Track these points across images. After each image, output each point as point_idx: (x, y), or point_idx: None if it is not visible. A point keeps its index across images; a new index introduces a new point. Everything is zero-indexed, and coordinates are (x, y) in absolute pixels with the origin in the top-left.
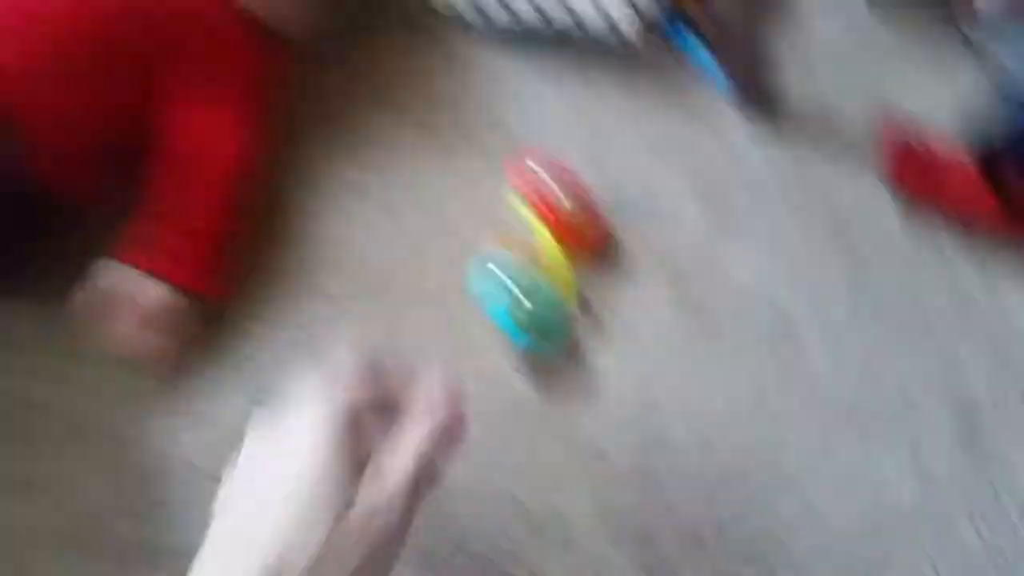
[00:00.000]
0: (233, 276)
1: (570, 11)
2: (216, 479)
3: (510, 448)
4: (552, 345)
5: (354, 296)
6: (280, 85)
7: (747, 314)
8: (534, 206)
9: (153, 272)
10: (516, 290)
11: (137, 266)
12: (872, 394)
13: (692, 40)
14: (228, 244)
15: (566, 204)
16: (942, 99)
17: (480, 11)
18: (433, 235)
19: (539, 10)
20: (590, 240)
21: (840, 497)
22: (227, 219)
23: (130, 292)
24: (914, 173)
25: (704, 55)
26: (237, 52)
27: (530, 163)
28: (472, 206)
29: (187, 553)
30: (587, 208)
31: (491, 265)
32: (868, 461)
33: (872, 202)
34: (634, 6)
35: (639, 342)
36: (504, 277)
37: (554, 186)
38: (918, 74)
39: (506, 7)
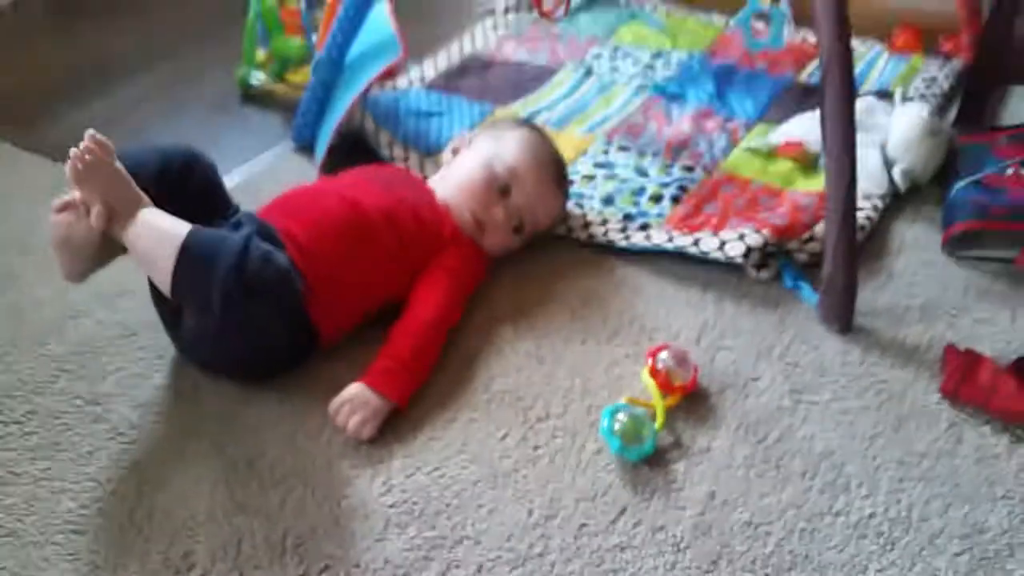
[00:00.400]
0: (414, 393)
1: (695, 242)
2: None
3: (606, 531)
4: (636, 451)
5: (502, 418)
6: (480, 279)
7: (808, 462)
8: (652, 374)
9: (372, 386)
10: (614, 411)
11: (367, 383)
12: (904, 535)
13: (790, 269)
14: (421, 372)
15: (668, 362)
16: (1000, 328)
17: (626, 236)
18: (578, 392)
19: (671, 238)
20: (679, 386)
21: None
22: (424, 354)
23: (359, 395)
24: (967, 381)
25: (797, 281)
26: (454, 249)
27: (661, 354)
28: (611, 377)
29: None
30: (682, 363)
31: (611, 407)
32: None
33: (926, 400)
34: (745, 242)
35: (711, 460)
36: (613, 407)
37: (672, 362)
38: (979, 306)
39: (647, 235)
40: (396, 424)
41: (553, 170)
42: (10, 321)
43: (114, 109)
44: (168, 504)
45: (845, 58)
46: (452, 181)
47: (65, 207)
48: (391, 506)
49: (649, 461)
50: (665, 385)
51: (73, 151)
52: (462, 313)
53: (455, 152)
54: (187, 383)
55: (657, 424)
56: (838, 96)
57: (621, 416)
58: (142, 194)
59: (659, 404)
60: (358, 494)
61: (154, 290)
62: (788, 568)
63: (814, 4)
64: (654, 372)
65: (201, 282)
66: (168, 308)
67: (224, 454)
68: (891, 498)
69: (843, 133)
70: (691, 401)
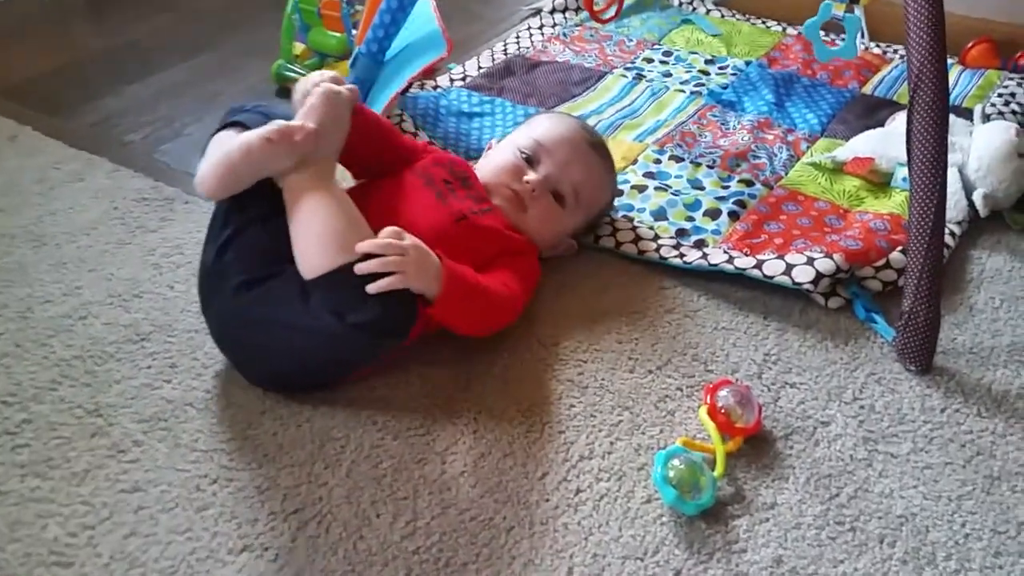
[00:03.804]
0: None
1: (759, 264)
2: None
3: None
4: (694, 504)
5: (540, 455)
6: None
7: (887, 525)
8: (711, 414)
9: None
10: (669, 456)
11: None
12: None
13: (862, 300)
14: (471, 307)
15: (729, 400)
16: None
17: (680, 255)
18: (625, 428)
19: (730, 258)
20: (741, 428)
21: None
22: (485, 299)
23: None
24: None
25: (871, 313)
26: (523, 253)
27: (721, 391)
28: (662, 413)
29: None
30: (745, 403)
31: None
32: None
33: (1019, 458)
34: (815, 267)
35: (777, 519)
36: (668, 451)
37: (732, 401)
38: None
39: (704, 254)
40: (424, 456)
41: (581, 136)
42: (15, 320)
43: (147, 97)
44: (167, 537)
45: (940, 72)
46: (484, 169)
47: (280, 137)
48: (414, 552)
49: (707, 515)
50: (726, 427)
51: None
52: (511, 321)
53: (488, 150)
54: (198, 396)
55: (717, 472)
56: (930, 114)
57: (676, 462)
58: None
59: (719, 448)
60: (378, 535)
61: (214, 260)
62: None
63: (905, 13)
64: (713, 412)
65: (354, 294)
66: (235, 279)
67: (233, 481)
68: (986, 575)
69: (933, 153)
70: (754, 446)
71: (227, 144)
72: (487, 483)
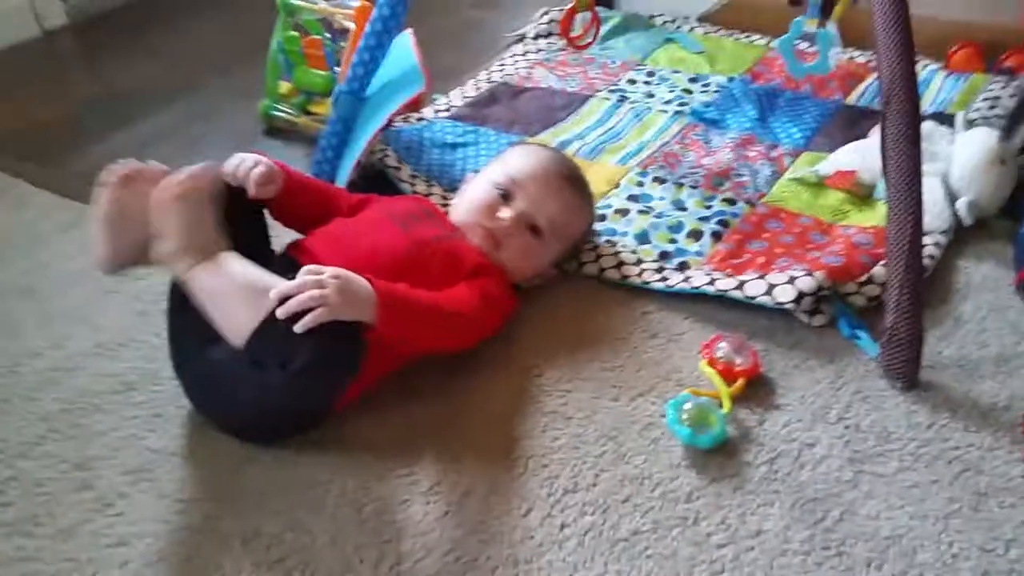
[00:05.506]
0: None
1: (740, 285)
2: None
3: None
4: (708, 437)
5: (524, 490)
6: (506, 311)
7: (874, 547)
8: (711, 364)
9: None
10: (679, 403)
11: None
12: None
13: (846, 316)
14: (413, 325)
15: (726, 350)
16: None
17: (663, 278)
18: (609, 459)
19: (712, 280)
20: (741, 371)
21: None
22: (428, 316)
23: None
24: None
25: (855, 330)
26: (487, 275)
27: (719, 344)
28: (646, 440)
29: None
30: (741, 350)
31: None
32: None
33: (1008, 472)
34: (796, 286)
35: (764, 545)
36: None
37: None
38: None
39: (686, 276)
40: (408, 496)
41: (555, 168)
42: (4, 375)
43: (135, 143)
44: None
45: (910, 80)
46: (459, 207)
47: (126, 181)
48: None
49: (692, 541)
50: (727, 373)
51: (165, 183)
52: (477, 338)
53: (465, 184)
54: (182, 445)
55: (724, 408)
56: (902, 123)
57: (687, 406)
58: (221, 233)
59: (723, 390)
60: None
61: (175, 321)
62: None
63: (873, 20)
64: (712, 363)
65: (287, 342)
66: (196, 339)
67: (217, 530)
68: None
69: (908, 164)
70: (738, 470)
71: None
72: (471, 522)
